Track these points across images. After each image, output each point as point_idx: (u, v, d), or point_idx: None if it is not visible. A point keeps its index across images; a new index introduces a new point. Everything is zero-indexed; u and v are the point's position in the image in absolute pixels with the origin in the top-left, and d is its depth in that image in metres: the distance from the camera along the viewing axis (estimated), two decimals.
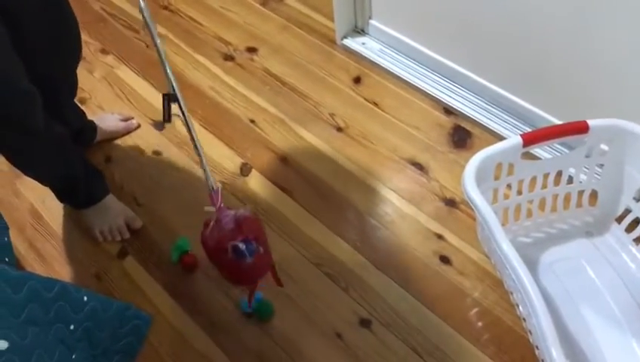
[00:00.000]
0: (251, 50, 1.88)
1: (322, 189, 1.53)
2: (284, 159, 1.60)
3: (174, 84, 1.09)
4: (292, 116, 1.69)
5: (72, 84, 1.48)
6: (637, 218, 1.29)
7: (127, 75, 1.86)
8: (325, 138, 1.64)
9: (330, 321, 1.30)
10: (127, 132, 1.69)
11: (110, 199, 1.50)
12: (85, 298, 0.87)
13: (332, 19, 1.83)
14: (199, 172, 1.58)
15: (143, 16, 1.03)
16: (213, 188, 1.13)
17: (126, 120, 1.70)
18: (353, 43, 1.83)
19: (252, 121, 1.69)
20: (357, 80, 1.77)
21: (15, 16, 1.11)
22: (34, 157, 1.30)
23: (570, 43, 1.32)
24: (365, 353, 1.25)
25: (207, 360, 1.27)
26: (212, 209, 1.12)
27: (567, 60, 1.36)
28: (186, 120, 1.12)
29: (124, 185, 1.59)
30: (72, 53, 1.38)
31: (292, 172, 1.57)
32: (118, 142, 1.68)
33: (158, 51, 1.06)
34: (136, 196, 1.56)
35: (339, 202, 1.50)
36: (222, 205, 1.12)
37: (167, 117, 1.09)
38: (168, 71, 1.07)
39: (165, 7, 2.07)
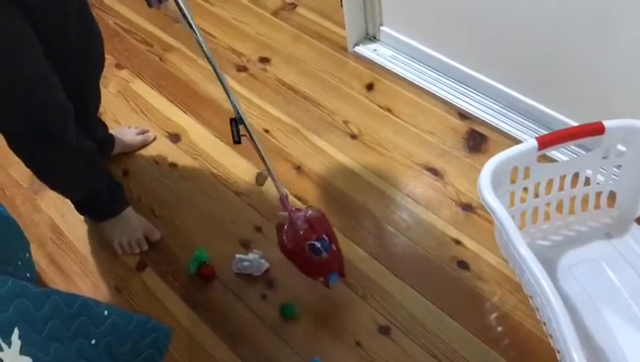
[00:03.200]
0: (264, 60, 1.90)
1: (338, 197, 1.53)
2: (298, 168, 1.60)
3: (238, 108, 1.17)
4: (306, 125, 1.70)
5: (97, 97, 1.50)
6: None
7: (142, 88, 1.89)
8: (340, 146, 1.64)
9: (350, 330, 1.30)
10: (144, 145, 1.71)
11: (129, 212, 1.51)
12: (106, 312, 0.88)
13: (343, 27, 1.84)
14: (215, 183, 1.60)
15: (192, 28, 1.07)
16: (283, 194, 1.24)
17: (142, 133, 1.72)
18: (365, 50, 1.83)
19: (266, 131, 1.70)
20: (370, 87, 1.77)
21: (42, 30, 1.12)
22: (64, 170, 1.33)
23: (584, 44, 1.31)
24: (385, 360, 1.25)
25: None
26: (284, 213, 1.24)
27: (581, 61, 1.35)
28: (253, 140, 1.20)
29: (141, 197, 1.60)
30: (97, 65, 1.41)
31: (307, 180, 1.58)
32: (135, 154, 1.70)
33: (222, 84, 1.17)
34: (153, 208, 1.58)
35: (355, 210, 1.50)
36: (292, 208, 1.24)
37: (237, 138, 1.18)
38: (232, 99, 1.16)
39: (178, 21, 2.09)
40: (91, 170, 1.42)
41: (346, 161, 1.60)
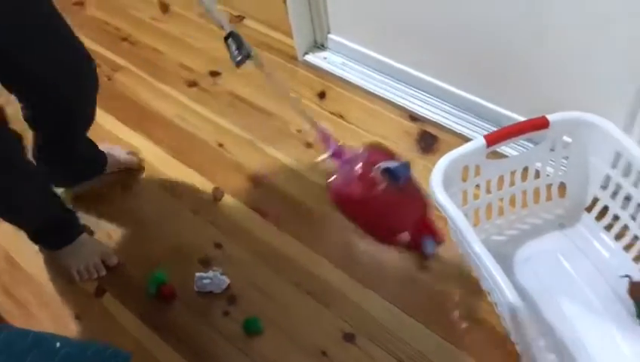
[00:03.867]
0: (214, 74, 1.89)
1: (297, 207, 1.53)
2: (255, 180, 1.60)
3: (224, 23, 0.98)
4: (260, 136, 1.70)
5: (89, 116, 1.44)
6: (605, 206, 1.31)
7: None
8: (295, 155, 1.64)
9: (314, 339, 1.30)
10: (132, 167, 1.66)
11: (84, 237, 1.48)
12: (58, 344, 0.86)
13: (292, 37, 1.84)
14: (172, 201, 1.58)
15: None
16: (321, 129, 0.99)
17: (130, 153, 1.68)
18: (315, 58, 1.84)
19: (220, 145, 1.69)
20: (321, 95, 1.78)
21: (14, 55, 1.12)
22: (16, 196, 1.29)
23: (524, 42, 1.34)
24: None
25: None
26: (326, 155, 0.96)
27: (523, 59, 1.38)
28: (252, 55, 1.00)
29: (97, 221, 1.57)
30: (86, 85, 1.35)
31: (265, 192, 1.57)
32: None
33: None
34: (109, 231, 1.55)
35: (314, 218, 1.50)
36: (338, 144, 0.95)
37: (239, 58, 0.97)
38: (216, 15, 0.96)
39: (125, 39, 2.07)
40: (45, 197, 1.39)
41: (303, 169, 1.61)
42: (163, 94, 1.86)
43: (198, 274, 1.39)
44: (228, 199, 1.57)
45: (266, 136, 1.69)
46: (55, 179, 1.55)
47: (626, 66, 1.19)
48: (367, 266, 1.40)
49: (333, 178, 0.95)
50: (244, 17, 2.05)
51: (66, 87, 1.28)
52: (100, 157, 1.60)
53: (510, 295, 1.03)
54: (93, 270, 1.46)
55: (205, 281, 1.38)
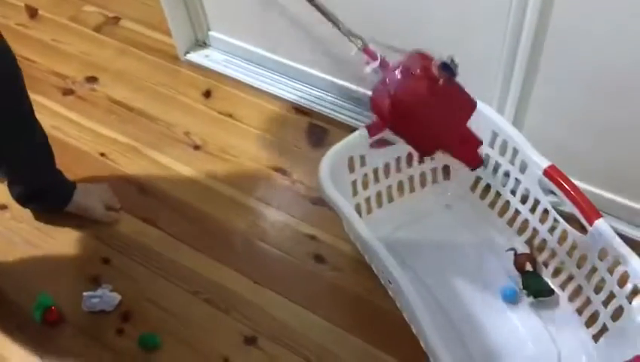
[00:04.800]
0: (91, 79, 1.79)
1: (187, 212, 1.48)
2: (142, 188, 1.53)
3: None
4: (145, 142, 1.62)
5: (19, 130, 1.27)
6: (488, 184, 1.36)
7: None
8: (183, 159, 1.58)
9: (215, 347, 1.26)
10: (104, 220, 1.47)
11: None
12: None
13: (171, 36, 1.77)
14: (53, 219, 1.48)
15: None
16: (363, 42, 0.97)
17: (111, 208, 1.48)
18: (197, 57, 1.78)
19: (102, 155, 1.60)
20: (207, 94, 1.73)
21: None
22: None
23: (402, 29, 1.36)
24: None
25: None
26: (372, 66, 0.95)
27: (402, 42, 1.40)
28: None
29: None
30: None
31: (153, 200, 1.51)
32: None
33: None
34: None
35: (206, 222, 1.46)
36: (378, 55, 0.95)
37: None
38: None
39: None
40: None
41: (192, 173, 1.56)
42: (37, 105, 1.72)
43: (85, 293, 1.31)
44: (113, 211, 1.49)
45: (151, 142, 1.62)
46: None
47: (493, 46, 1.23)
48: (264, 265, 1.38)
49: (378, 90, 0.94)
50: (120, 18, 1.95)
51: None
52: (63, 188, 1.44)
53: (400, 279, 1.05)
54: None
55: (94, 300, 1.30)
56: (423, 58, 0.93)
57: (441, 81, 0.91)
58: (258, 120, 1.65)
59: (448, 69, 0.91)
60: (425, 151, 1.07)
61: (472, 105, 0.98)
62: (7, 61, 1.20)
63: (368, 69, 0.97)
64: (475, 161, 1.08)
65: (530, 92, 1.25)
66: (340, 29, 1.01)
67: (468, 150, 1.05)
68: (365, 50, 0.99)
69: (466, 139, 1.03)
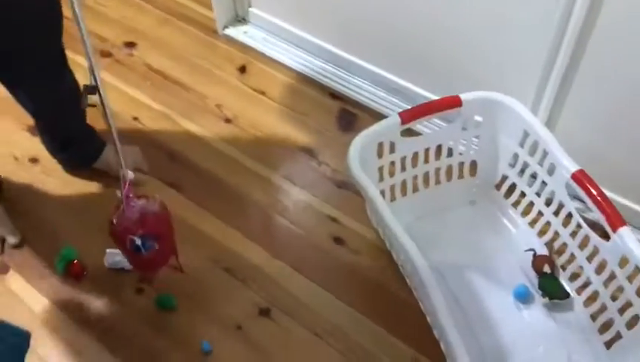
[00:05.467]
0: (130, 45, 1.81)
1: (214, 183, 1.50)
2: (171, 155, 1.55)
3: (97, 75, 1.05)
4: (178, 110, 1.65)
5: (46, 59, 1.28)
6: (514, 183, 1.37)
7: None
8: (214, 131, 1.61)
9: (230, 315, 1.28)
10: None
11: None
12: None
13: (212, 9, 1.79)
14: (80, 176, 1.51)
15: None
16: (126, 177, 1.13)
17: (138, 170, 1.49)
18: (235, 32, 1.80)
19: (135, 119, 1.63)
20: (242, 69, 1.75)
21: None
22: None
23: (439, 24, 1.37)
24: (267, 342, 1.24)
25: None
26: (119, 193, 1.13)
27: (437, 40, 1.41)
28: (106, 113, 1.10)
29: (1, 195, 1.48)
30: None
31: (181, 168, 1.53)
32: None
33: (80, 32, 1.02)
34: (15, 207, 1.46)
35: (232, 194, 1.48)
36: (130, 194, 1.13)
37: (84, 106, 1.08)
38: (92, 61, 1.04)
39: None
40: None
41: (221, 145, 1.58)
42: (75, 65, 1.76)
43: (109, 250, 1.34)
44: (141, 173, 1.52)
45: (184, 111, 1.65)
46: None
47: (534, 47, 1.24)
48: (284, 241, 1.40)
49: (118, 211, 1.14)
50: None
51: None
52: (95, 144, 1.47)
53: (421, 266, 1.06)
54: None
55: (117, 258, 1.33)
56: (145, 219, 1.13)
57: (128, 246, 1.14)
58: (290, 99, 1.67)
59: (135, 246, 1.13)
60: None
61: (163, 263, 1.22)
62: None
63: (118, 194, 1.14)
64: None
65: (566, 94, 1.25)
66: (118, 155, 1.15)
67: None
68: (123, 183, 1.13)
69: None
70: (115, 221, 1.14)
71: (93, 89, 1.08)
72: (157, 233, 1.15)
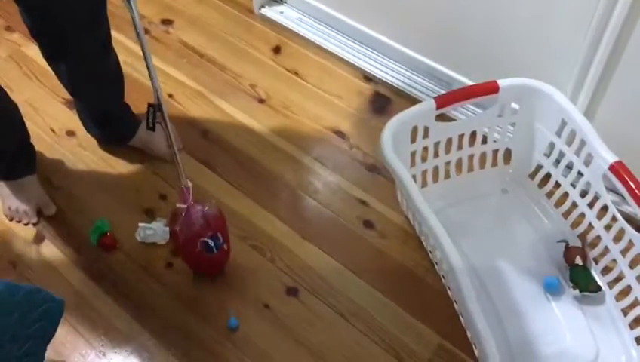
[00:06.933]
0: (166, 22, 1.83)
1: (245, 162, 1.51)
2: (205, 133, 1.57)
3: (159, 94, 1.10)
4: (212, 89, 1.66)
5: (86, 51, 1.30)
6: (548, 173, 1.34)
7: (36, 53, 1.76)
8: (247, 110, 1.61)
9: (258, 293, 1.30)
10: (166, 159, 1.50)
11: (29, 179, 1.42)
12: None
13: None
14: (116, 150, 1.54)
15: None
16: (185, 185, 1.20)
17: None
18: (271, 12, 1.80)
19: (170, 96, 1.65)
20: (277, 50, 1.75)
21: None
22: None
23: (480, 6, 1.34)
24: (293, 321, 1.26)
25: (132, 339, 1.25)
26: (182, 206, 1.20)
27: (477, 24, 1.39)
28: (167, 129, 1.15)
29: (38, 167, 1.52)
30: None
31: (214, 146, 1.54)
32: (29, 123, 1.60)
33: (143, 50, 1.05)
34: (51, 179, 1.50)
35: (262, 174, 1.49)
36: (192, 202, 1.21)
37: (152, 125, 1.12)
38: (155, 81, 1.08)
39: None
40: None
41: (254, 125, 1.58)
42: (113, 40, 1.79)
43: (141, 224, 1.37)
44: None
45: (218, 90, 1.66)
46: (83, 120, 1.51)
47: (576, 34, 1.21)
48: (313, 222, 1.40)
49: (178, 220, 1.21)
50: None
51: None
52: (131, 123, 1.50)
53: (452, 255, 1.06)
54: (24, 215, 1.41)
55: (149, 232, 1.36)
56: (209, 221, 1.22)
57: (198, 248, 1.22)
58: (323, 81, 1.66)
59: (209, 247, 1.22)
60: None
61: (223, 264, 1.31)
62: None
63: (179, 205, 1.21)
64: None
65: (607, 84, 1.22)
66: (178, 168, 1.20)
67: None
68: (183, 192, 1.20)
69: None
70: (178, 229, 1.20)
71: (159, 107, 1.11)
72: (222, 233, 1.24)
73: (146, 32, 1.80)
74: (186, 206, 1.20)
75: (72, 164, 1.53)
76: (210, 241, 1.21)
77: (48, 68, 1.71)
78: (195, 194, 1.44)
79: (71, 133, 1.58)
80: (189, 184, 1.21)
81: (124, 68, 1.45)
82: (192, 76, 1.69)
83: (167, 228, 1.36)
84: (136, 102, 1.53)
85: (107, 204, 1.44)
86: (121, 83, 1.44)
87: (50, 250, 1.38)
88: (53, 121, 1.61)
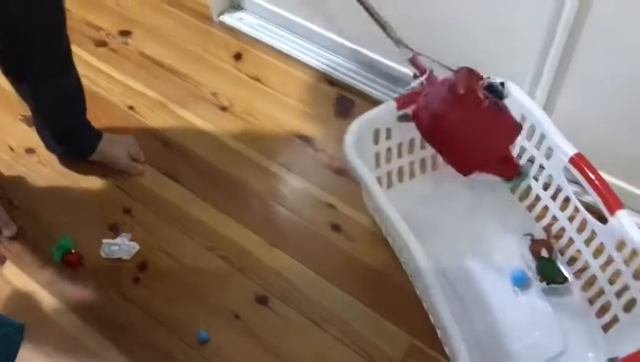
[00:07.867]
0: (125, 33, 1.80)
1: (209, 171, 1.50)
2: (166, 143, 1.55)
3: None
4: (173, 98, 1.64)
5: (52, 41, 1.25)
6: None
7: None
8: (209, 118, 1.60)
9: (227, 303, 1.28)
10: (128, 171, 1.49)
11: None
12: None
13: None
14: (76, 167, 1.51)
15: None
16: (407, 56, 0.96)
17: (135, 161, 1.50)
18: (230, 19, 1.79)
19: (131, 108, 1.62)
20: (237, 56, 1.73)
21: None
22: None
23: (432, 3, 1.35)
24: (264, 329, 1.24)
25: (101, 357, 1.22)
26: (416, 83, 0.95)
27: (431, 22, 1.39)
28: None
29: None
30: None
31: (176, 156, 1.53)
32: None
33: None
34: (11, 198, 1.46)
35: (227, 182, 1.47)
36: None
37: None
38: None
39: None
40: None
41: (217, 133, 1.57)
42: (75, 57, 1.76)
43: (105, 240, 1.34)
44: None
45: (179, 99, 1.64)
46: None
47: (531, 26, 1.22)
48: (282, 230, 1.39)
49: (425, 99, 0.94)
50: None
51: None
52: (91, 136, 1.47)
53: (417, 253, 1.06)
54: None
55: (114, 248, 1.33)
56: (470, 77, 0.93)
57: (485, 103, 0.89)
58: (286, 86, 1.66)
59: (494, 91, 0.90)
60: (462, 170, 1.05)
61: (516, 130, 0.97)
62: None
63: (415, 82, 0.96)
64: (511, 176, 1.07)
65: (564, 76, 1.23)
66: (389, 35, 0.97)
67: (506, 169, 1.04)
68: (414, 61, 0.97)
69: (505, 160, 1.01)
70: (422, 105, 0.95)
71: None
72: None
73: (104, 44, 1.77)
74: (425, 75, 0.94)
75: (32, 182, 1.50)
76: (493, 81, 0.90)
77: (4, 84, 1.68)
78: (157, 205, 1.43)
79: (30, 151, 1.55)
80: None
81: (83, 82, 1.42)
82: (152, 86, 1.67)
83: (133, 243, 1.34)
84: (96, 115, 1.51)
85: (70, 221, 1.41)
86: (83, 97, 1.41)
87: (12, 271, 1.35)
88: (11, 139, 1.57)
